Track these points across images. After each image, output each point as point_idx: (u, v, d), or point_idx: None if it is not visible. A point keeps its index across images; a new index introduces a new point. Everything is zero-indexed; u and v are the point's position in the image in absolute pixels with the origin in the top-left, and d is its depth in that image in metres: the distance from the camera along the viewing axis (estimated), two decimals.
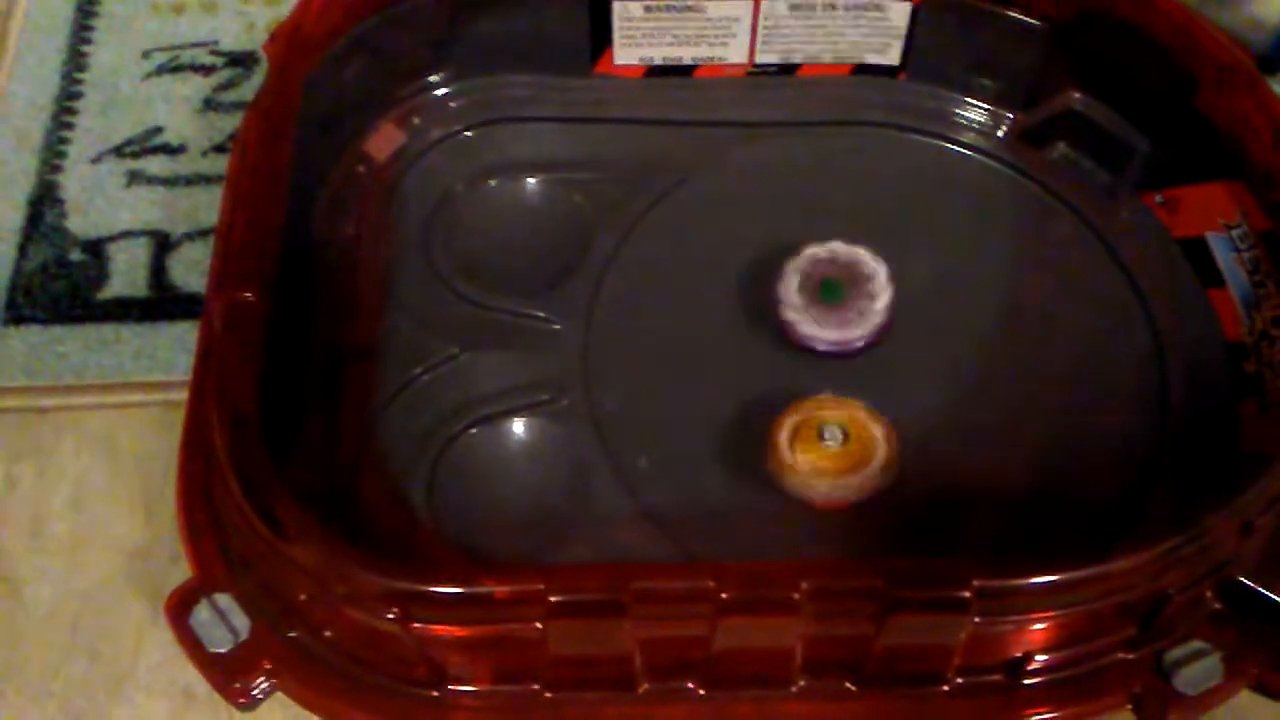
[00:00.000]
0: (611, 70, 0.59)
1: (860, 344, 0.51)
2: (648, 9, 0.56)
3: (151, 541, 0.51)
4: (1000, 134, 0.58)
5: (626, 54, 0.58)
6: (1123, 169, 0.56)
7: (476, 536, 0.48)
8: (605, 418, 0.50)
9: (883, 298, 0.51)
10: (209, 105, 0.64)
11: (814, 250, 0.52)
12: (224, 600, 0.42)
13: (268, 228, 0.47)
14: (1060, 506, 0.49)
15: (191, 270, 0.58)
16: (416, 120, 0.58)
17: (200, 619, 0.41)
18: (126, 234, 0.59)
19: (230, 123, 0.63)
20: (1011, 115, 0.58)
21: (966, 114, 0.59)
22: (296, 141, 0.50)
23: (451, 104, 0.59)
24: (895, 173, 0.58)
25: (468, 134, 0.58)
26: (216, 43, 0.66)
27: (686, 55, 0.59)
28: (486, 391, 0.51)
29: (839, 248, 0.52)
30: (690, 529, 0.48)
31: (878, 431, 0.48)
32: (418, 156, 0.57)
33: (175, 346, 0.55)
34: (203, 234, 0.59)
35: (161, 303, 0.57)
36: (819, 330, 0.51)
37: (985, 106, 0.59)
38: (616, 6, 0.56)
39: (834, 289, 0.51)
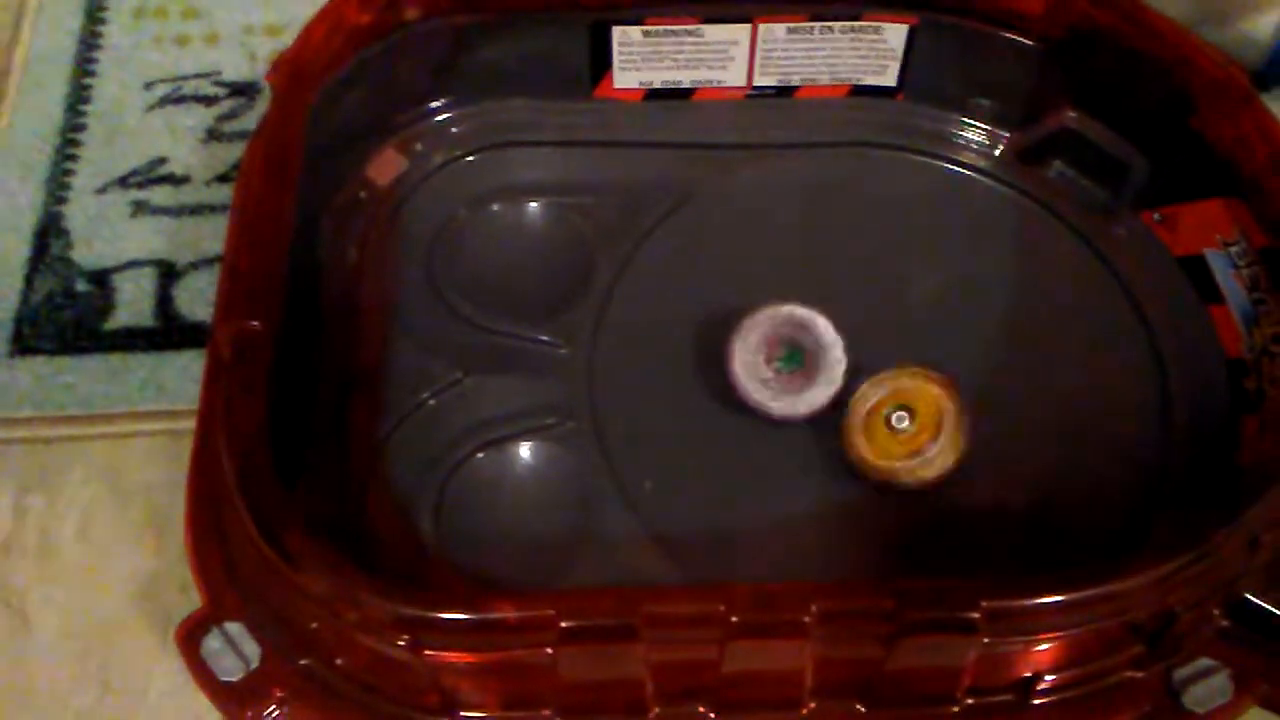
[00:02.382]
0: (611, 94, 0.59)
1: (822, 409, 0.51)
2: (647, 33, 0.57)
3: (160, 570, 0.51)
4: (998, 153, 0.59)
5: (626, 78, 0.59)
6: (1120, 186, 0.56)
7: (484, 561, 0.48)
8: (611, 441, 0.51)
9: (837, 370, 0.51)
10: (212, 135, 0.64)
11: (767, 315, 0.52)
12: (234, 629, 0.42)
13: (273, 257, 0.47)
14: (1063, 525, 0.49)
15: (197, 300, 0.58)
16: (418, 145, 0.58)
17: (211, 648, 0.41)
18: (132, 264, 0.59)
19: (234, 153, 0.63)
20: (1009, 134, 0.59)
21: (964, 133, 0.59)
22: (300, 168, 0.50)
23: (453, 129, 0.59)
24: (894, 192, 0.58)
25: (469, 159, 0.59)
26: (219, 73, 0.67)
27: (685, 78, 0.59)
28: (492, 416, 0.51)
29: (796, 312, 0.52)
30: (697, 551, 0.48)
31: (945, 402, 0.49)
32: (420, 181, 0.58)
33: (182, 376, 0.56)
34: (208, 263, 0.59)
35: (168, 332, 0.57)
36: (776, 404, 0.51)
37: (983, 126, 0.59)
38: (616, 31, 0.57)
39: (791, 359, 0.52)
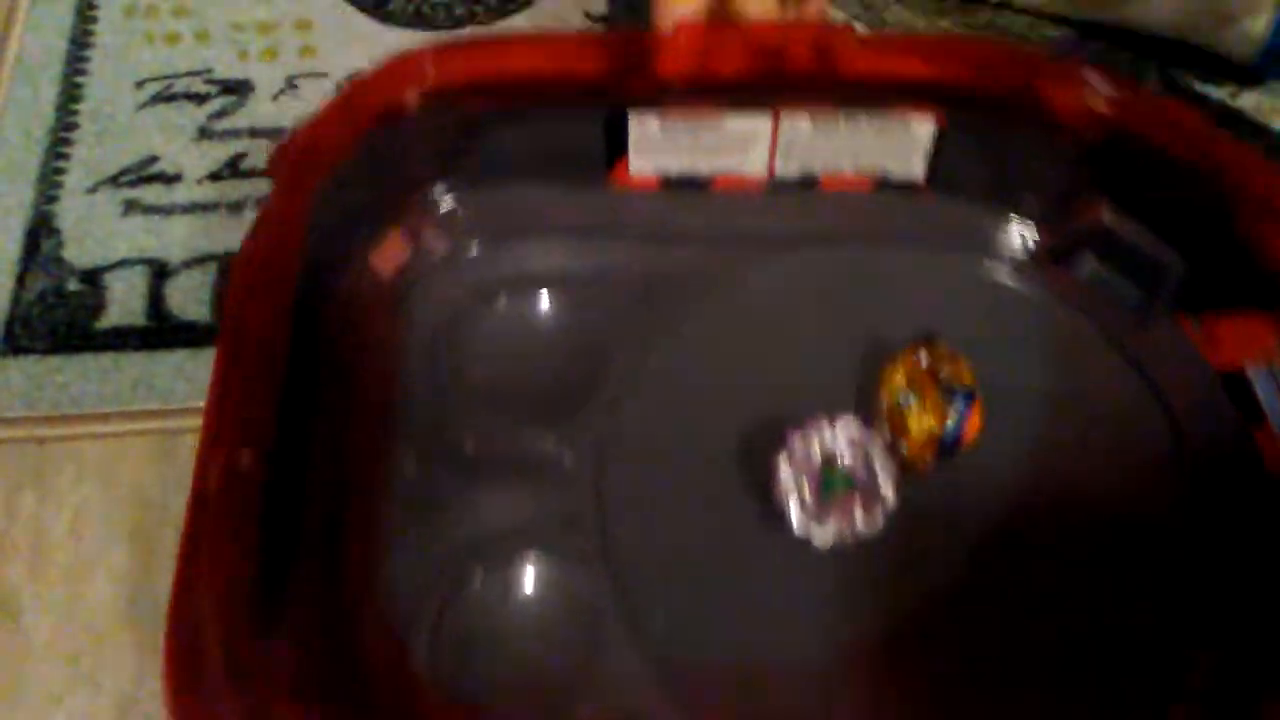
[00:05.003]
0: (627, 181, 0.56)
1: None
2: (664, 123, 0.53)
3: (151, 569, 0.51)
4: (1029, 250, 0.55)
5: (642, 165, 0.55)
6: (1156, 289, 0.53)
7: (482, 692, 0.45)
8: (620, 563, 0.47)
9: (889, 496, 0.47)
10: (204, 134, 0.64)
11: (807, 439, 0.48)
12: None
13: (266, 377, 0.44)
14: (1100, 652, 0.46)
15: (189, 299, 0.58)
16: (425, 232, 0.55)
17: None
18: (123, 263, 0.59)
19: (225, 150, 0.63)
20: (1040, 231, 0.55)
21: (994, 230, 0.56)
22: (300, 260, 0.47)
23: (461, 216, 0.55)
24: (918, 291, 0.55)
25: (477, 247, 0.55)
26: (210, 71, 0.67)
27: (704, 167, 0.55)
28: (494, 530, 0.48)
29: (852, 429, 0.48)
30: (713, 697, 0.45)
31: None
32: (426, 270, 0.54)
33: (174, 375, 0.56)
34: (200, 262, 0.59)
35: (160, 331, 0.57)
36: (821, 530, 0.47)
37: (1013, 222, 0.56)
38: (632, 120, 0.53)
39: (836, 481, 0.47)
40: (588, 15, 0.70)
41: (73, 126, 0.64)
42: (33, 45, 0.68)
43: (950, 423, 0.48)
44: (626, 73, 0.51)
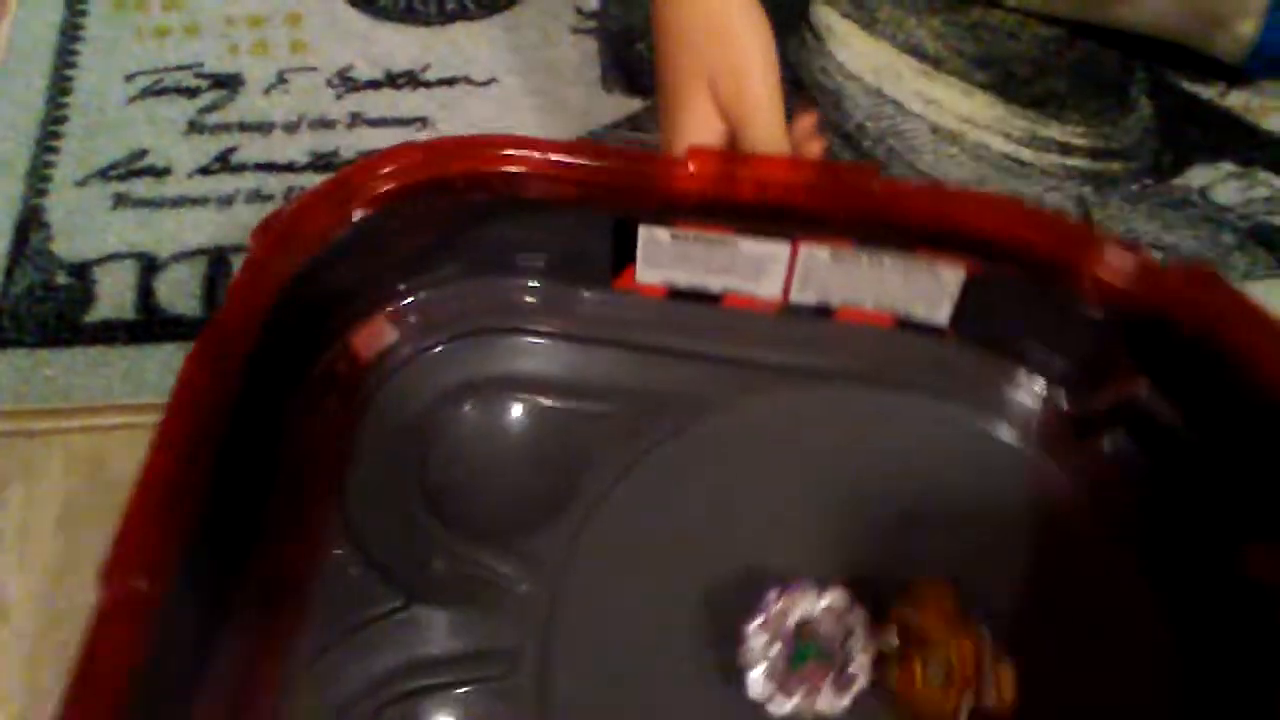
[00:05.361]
0: (633, 286, 0.52)
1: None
2: (675, 236, 0.50)
3: None
4: (1051, 418, 0.50)
5: (650, 274, 0.52)
6: (1193, 496, 0.47)
7: None
8: (559, 704, 0.44)
9: (863, 672, 0.44)
10: (194, 127, 0.64)
11: (794, 599, 0.45)
12: None
13: (180, 494, 0.40)
14: None
15: (178, 292, 0.58)
16: (412, 319, 0.52)
17: None
18: (113, 257, 0.59)
19: (215, 144, 0.63)
20: (1066, 398, 0.51)
21: (1016, 388, 0.51)
22: (275, 329, 0.45)
23: (452, 304, 0.52)
24: (933, 447, 0.50)
25: (464, 340, 0.52)
26: (200, 65, 0.67)
27: (715, 284, 0.52)
28: (430, 656, 0.45)
29: (832, 602, 0.45)
30: None
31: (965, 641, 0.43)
32: (407, 360, 0.52)
33: (163, 368, 0.55)
34: (189, 255, 0.59)
35: (149, 325, 0.57)
36: (782, 700, 0.44)
37: (1038, 383, 0.51)
38: (642, 230, 0.50)
39: (809, 652, 0.44)
40: (579, 11, 0.70)
41: (62, 120, 0.64)
42: (22, 38, 0.67)
43: None
44: (636, 189, 0.48)
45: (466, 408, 0.51)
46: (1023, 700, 0.42)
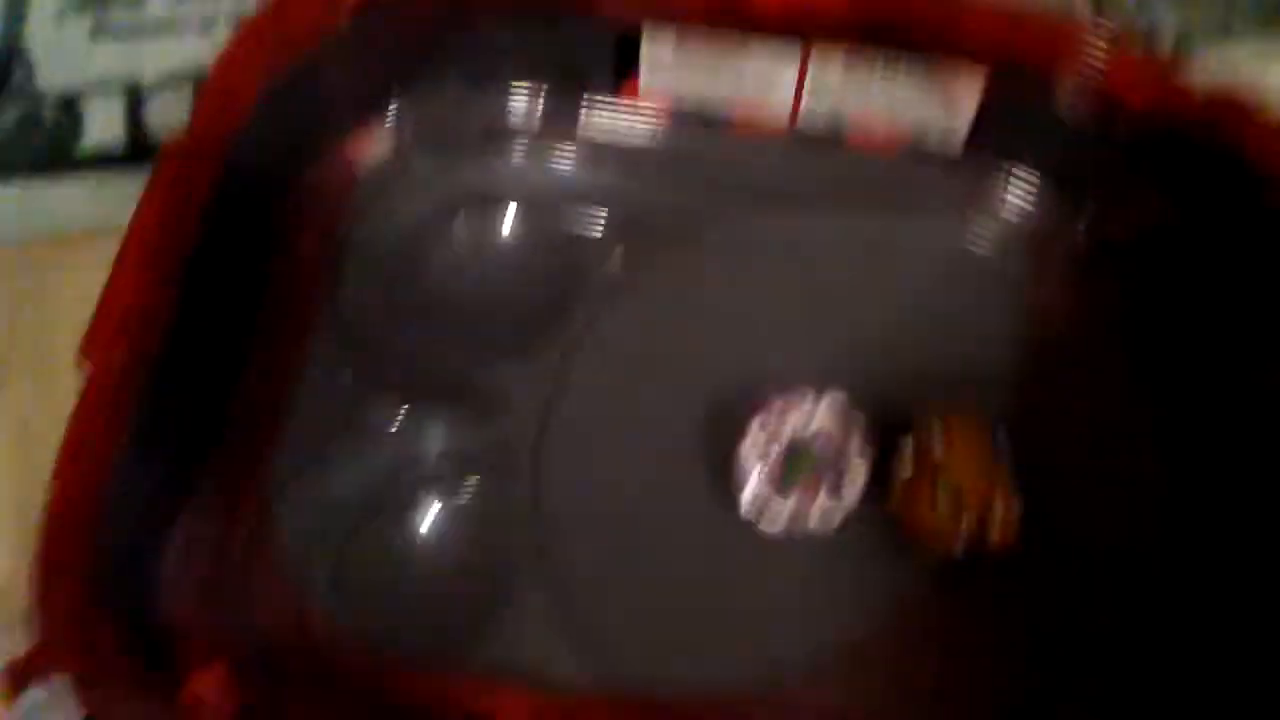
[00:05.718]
0: (636, 98, 0.51)
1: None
2: (680, 48, 0.48)
3: None
4: (1067, 242, 0.49)
5: (654, 85, 0.50)
6: (1210, 313, 0.46)
7: (383, 630, 0.43)
8: (547, 508, 0.45)
9: (858, 482, 0.44)
10: None
11: (787, 411, 0.45)
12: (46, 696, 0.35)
13: (164, 274, 0.40)
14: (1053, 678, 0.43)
15: (169, 118, 0.57)
16: (406, 129, 0.51)
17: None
18: (98, 88, 0.59)
19: None
20: (1083, 222, 0.49)
21: (1031, 214, 0.50)
22: (266, 138, 0.44)
23: (448, 114, 0.51)
24: (933, 271, 0.49)
25: (459, 151, 0.51)
26: None
27: (720, 97, 0.50)
28: (421, 458, 0.46)
29: (824, 413, 0.45)
30: (621, 653, 0.43)
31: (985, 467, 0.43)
32: (402, 169, 0.50)
33: None
34: (175, 81, 0.58)
35: (143, 153, 0.57)
36: (774, 513, 0.44)
37: (1053, 210, 0.49)
38: (646, 40, 0.48)
39: (803, 465, 0.44)
40: None
41: None
42: None
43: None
44: None
45: (458, 222, 0.50)
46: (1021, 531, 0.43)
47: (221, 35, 0.60)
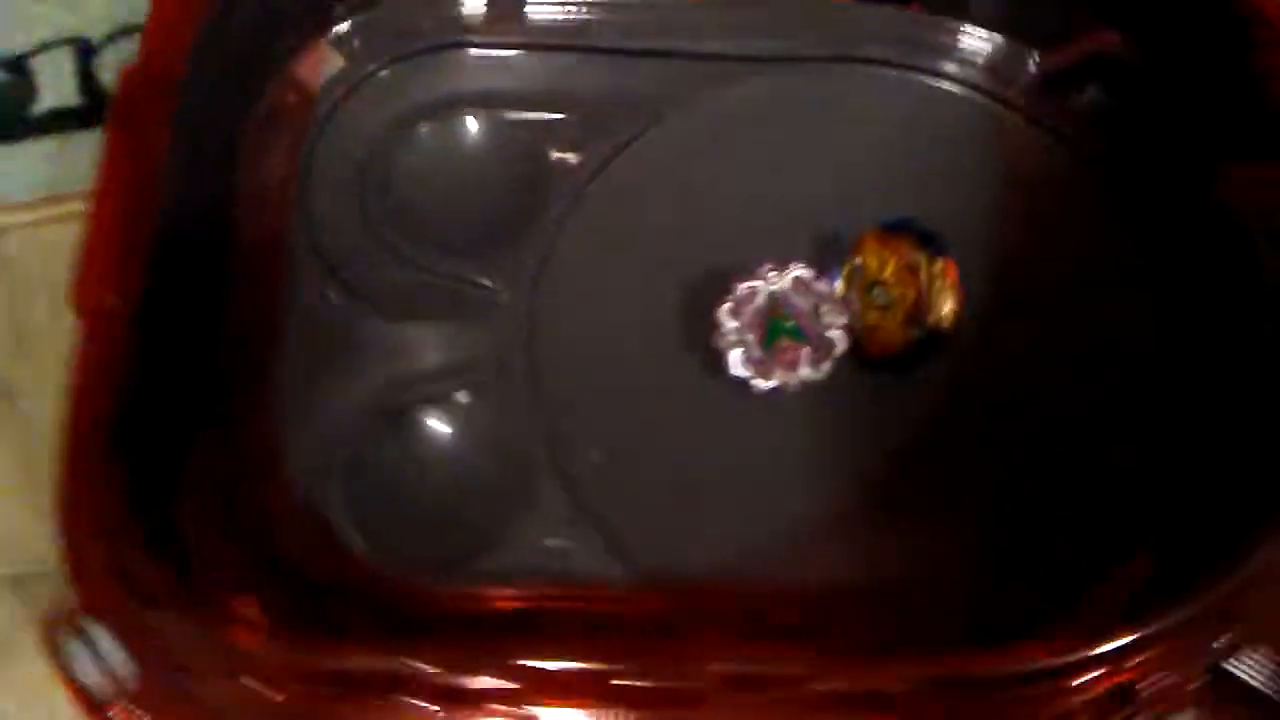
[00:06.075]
0: None
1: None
2: None
3: None
4: (1021, 77, 0.50)
5: None
6: (1170, 131, 0.47)
7: (400, 541, 0.43)
8: (550, 404, 0.45)
9: (837, 342, 0.45)
10: None
11: (762, 282, 0.45)
12: (101, 636, 0.34)
13: (140, 211, 0.40)
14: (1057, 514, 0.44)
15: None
16: (356, 42, 0.50)
17: (74, 652, 0.34)
18: (46, 46, 0.57)
19: None
20: (1038, 54, 0.50)
21: (982, 52, 0.50)
22: (216, 63, 0.44)
23: (397, 25, 0.51)
24: (893, 122, 0.50)
25: (411, 59, 0.50)
26: None
27: None
28: (418, 369, 0.46)
29: (799, 279, 0.45)
30: (647, 541, 0.43)
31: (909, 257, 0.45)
32: (356, 85, 0.50)
33: None
34: (124, 34, 0.57)
35: (98, 109, 0.56)
36: (755, 374, 0.45)
37: (1004, 43, 0.50)
38: None
39: (781, 330, 0.45)
40: None
41: None
42: None
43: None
44: None
45: (423, 129, 0.50)
46: (987, 332, 0.45)
47: None
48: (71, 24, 0.58)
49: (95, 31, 0.57)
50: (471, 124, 0.50)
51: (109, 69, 0.56)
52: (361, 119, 0.50)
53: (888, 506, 0.44)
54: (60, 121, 0.55)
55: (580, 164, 0.49)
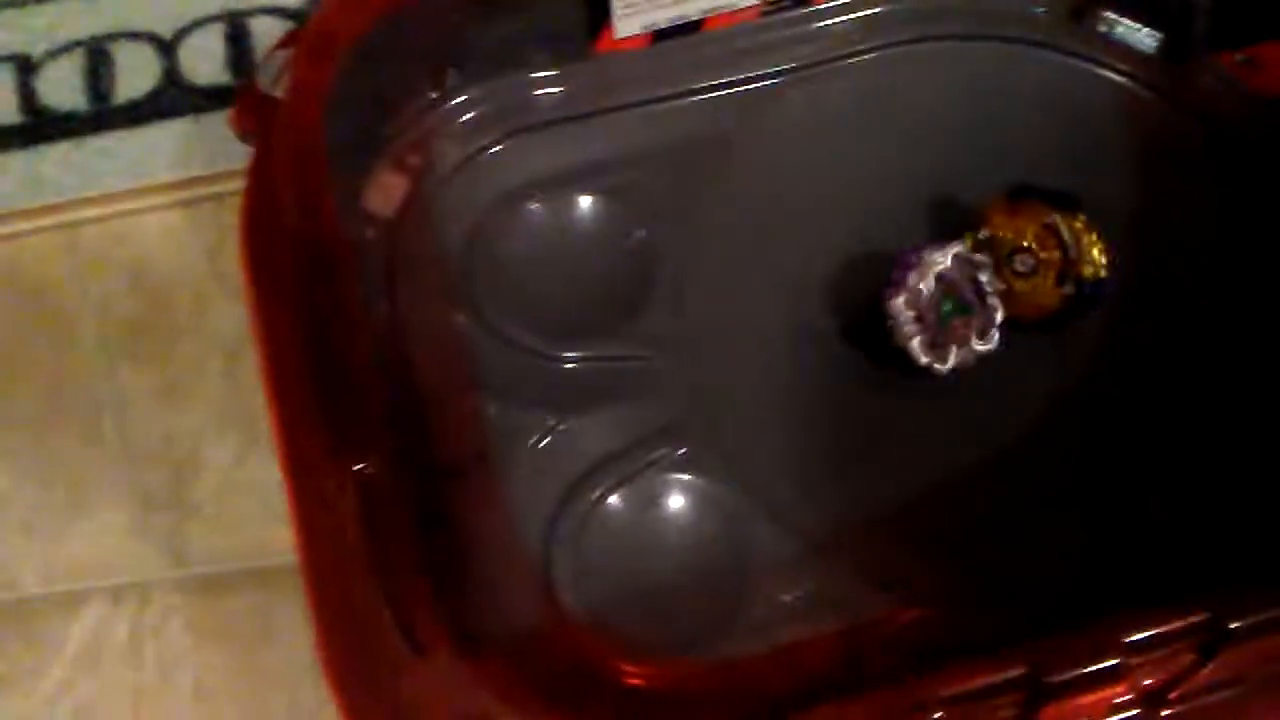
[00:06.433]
0: (614, 47, 0.50)
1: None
2: None
3: (69, 363, 0.51)
4: (1046, 19, 0.52)
5: (628, 24, 0.49)
6: (1187, 31, 0.50)
7: (645, 620, 0.43)
8: (737, 453, 0.45)
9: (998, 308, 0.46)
10: None
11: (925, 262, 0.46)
12: None
13: (358, 363, 0.39)
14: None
15: (62, 89, 0.56)
16: (412, 159, 0.49)
17: None
18: None
19: None
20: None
21: (1008, 6, 0.52)
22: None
23: (448, 133, 0.49)
24: (943, 93, 0.51)
25: (476, 162, 0.49)
26: None
27: (693, 10, 0.50)
28: (599, 458, 0.45)
29: (959, 254, 0.46)
30: (870, 549, 0.44)
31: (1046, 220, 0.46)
32: (428, 202, 0.48)
33: (60, 167, 0.54)
34: (65, 51, 0.57)
35: (38, 126, 0.55)
36: (935, 358, 0.45)
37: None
38: None
39: (952, 309, 0.45)
40: None
41: None
42: None
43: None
44: None
45: (509, 223, 0.49)
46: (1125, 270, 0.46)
47: (108, 2, 0.58)
48: (10, 41, 0.57)
49: (35, 49, 0.57)
50: (555, 205, 0.49)
51: (48, 84, 0.56)
52: (445, 232, 0.49)
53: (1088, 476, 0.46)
54: (2, 139, 0.55)
55: (675, 211, 0.49)
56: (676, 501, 0.45)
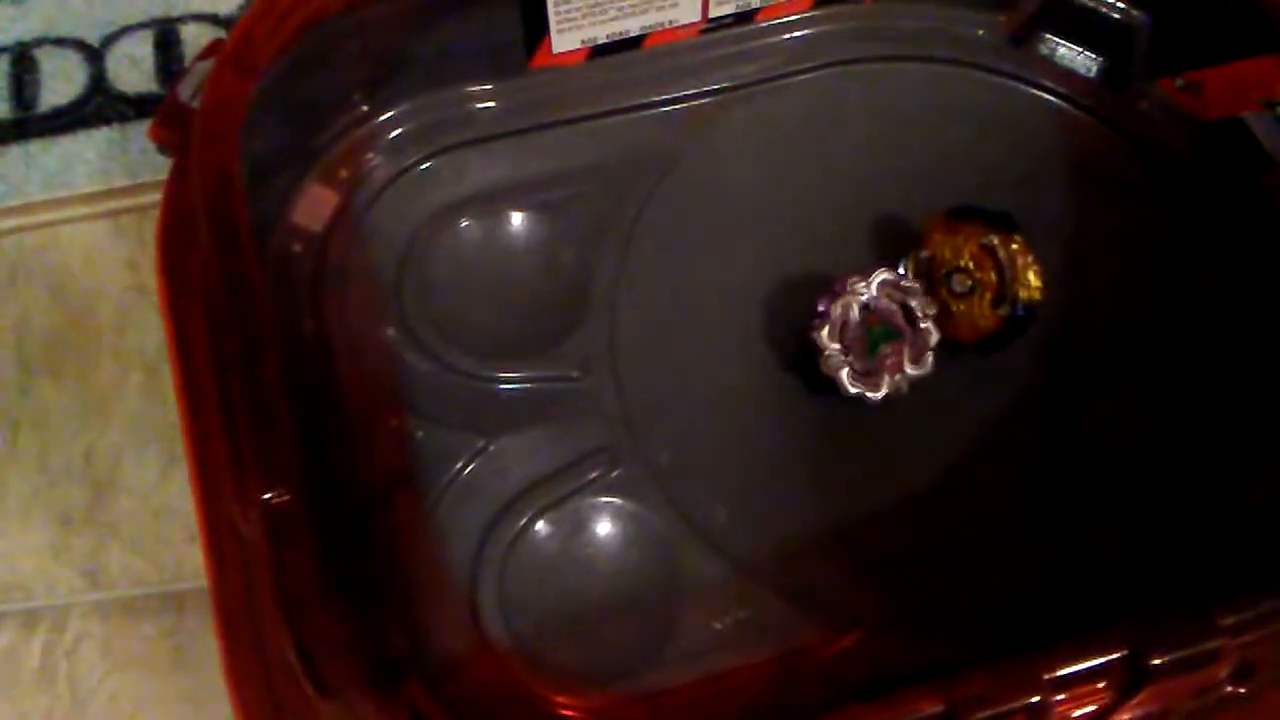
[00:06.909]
0: (552, 61, 0.50)
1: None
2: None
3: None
4: (987, 42, 0.52)
5: (566, 40, 0.49)
6: (1129, 56, 0.51)
7: (574, 648, 0.43)
8: (667, 477, 0.45)
9: (932, 334, 0.45)
10: None
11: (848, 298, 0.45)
12: None
13: (272, 386, 0.37)
14: (1158, 474, 0.46)
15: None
16: (344, 173, 0.48)
17: None
18: None
19: None
20: (995, 18, 0.52)
21: (946, 27, 0.53)
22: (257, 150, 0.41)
23: (380, 147, 0.49)
24: (885, 113, 0.51)
25: (408, 177, 0.49)
26: None
27: (634, 26, 0.50)
28: (529, 482, 0.44)
29: (885, 281, 0.45)
30: (800, 573, 0.44)
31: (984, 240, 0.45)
32: (360, 215, 0.48)
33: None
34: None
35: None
36: (866, 387, 0.45)
37: (964, 14, 0.52)
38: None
39: (879, 337, 0.45)
40: None
41: None
42: None
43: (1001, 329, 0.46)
44: None
45: (442, 239, 0.48)
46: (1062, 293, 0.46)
47: (38, 5, 0.57)
48: None
49: None
50: (488, 221, 0.49)
51: None
52: (377, 249, 0.48)
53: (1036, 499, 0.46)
54: None
55: (611, 229, 0.48)
56: (607, 526, 0.44)
